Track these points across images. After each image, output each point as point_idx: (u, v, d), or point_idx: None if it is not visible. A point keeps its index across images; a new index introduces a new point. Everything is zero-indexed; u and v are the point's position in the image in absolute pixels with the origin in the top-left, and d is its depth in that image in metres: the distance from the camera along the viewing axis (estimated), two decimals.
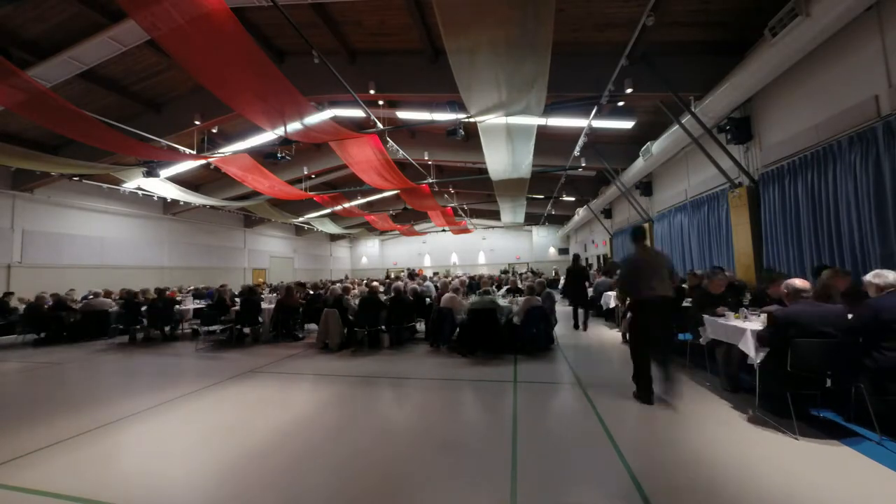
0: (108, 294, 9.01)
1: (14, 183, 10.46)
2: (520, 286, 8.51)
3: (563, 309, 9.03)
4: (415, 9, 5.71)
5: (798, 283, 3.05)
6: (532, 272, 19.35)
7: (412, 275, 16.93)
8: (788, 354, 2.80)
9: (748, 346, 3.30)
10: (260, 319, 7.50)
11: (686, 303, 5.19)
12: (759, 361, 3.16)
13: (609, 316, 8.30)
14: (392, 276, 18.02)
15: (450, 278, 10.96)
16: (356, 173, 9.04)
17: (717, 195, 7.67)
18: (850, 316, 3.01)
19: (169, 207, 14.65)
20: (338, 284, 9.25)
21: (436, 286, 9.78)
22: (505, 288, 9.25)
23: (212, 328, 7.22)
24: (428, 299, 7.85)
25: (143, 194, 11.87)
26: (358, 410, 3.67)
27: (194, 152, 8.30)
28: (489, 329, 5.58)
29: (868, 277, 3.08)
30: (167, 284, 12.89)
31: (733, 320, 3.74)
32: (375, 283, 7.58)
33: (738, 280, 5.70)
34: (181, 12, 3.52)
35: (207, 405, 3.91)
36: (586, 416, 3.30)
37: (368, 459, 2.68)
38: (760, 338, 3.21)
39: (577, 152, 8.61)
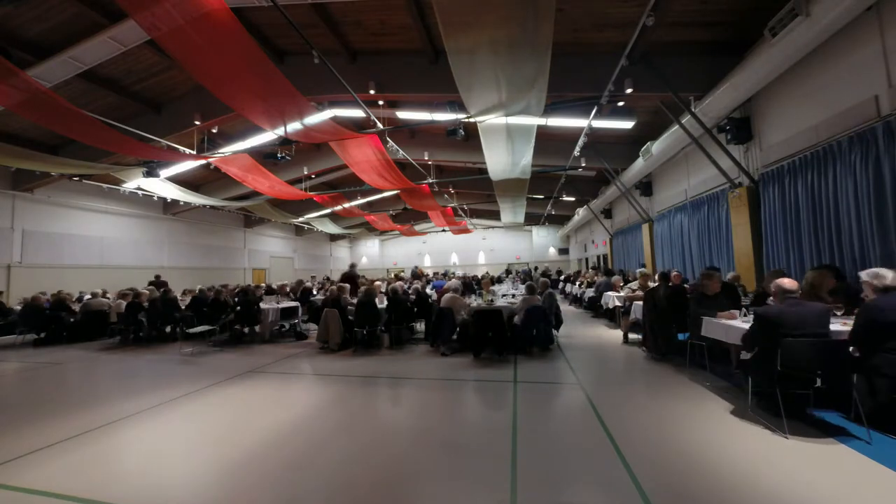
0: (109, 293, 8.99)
1: (14, 183, 10.46)
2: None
3: (567, 309, 9.01)
4: (415, 9, 5.71)
5: (786, 283, 3.06)
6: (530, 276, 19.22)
7: (416, 275, 16.78)
8: (778, 354, 2.80)
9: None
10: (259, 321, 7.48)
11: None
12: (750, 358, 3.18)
13: (609, 316, 8.30)
14: (393, 275, 17.94)
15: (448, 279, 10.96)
16: (356, 173, 9.04)
17: (717, 195, 7.66)
18: (839, 314, 3.00)
19: (169, 207, 14.64)
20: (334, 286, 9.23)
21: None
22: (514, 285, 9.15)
23: (211, 328, 7.21)
24: (429, 299, 7.85)
25: (143, 194, 11.86)
26: (358, 410, 3.67)
27: (194, 152, 8.30)
28: (496, 330, 5.56)
29: (865, 277, 3.02)
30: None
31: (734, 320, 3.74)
32: (378, 283, 7.55)
33: (731, 279, 5.68)
34: (181, 12, 3.52)
35: (208, 405, 3.91)
36: (586, 416, 3.30)
37: (368, 460, 2.67)
38: (744, 339, 3.24)
39: (577, 152, 8.61)
